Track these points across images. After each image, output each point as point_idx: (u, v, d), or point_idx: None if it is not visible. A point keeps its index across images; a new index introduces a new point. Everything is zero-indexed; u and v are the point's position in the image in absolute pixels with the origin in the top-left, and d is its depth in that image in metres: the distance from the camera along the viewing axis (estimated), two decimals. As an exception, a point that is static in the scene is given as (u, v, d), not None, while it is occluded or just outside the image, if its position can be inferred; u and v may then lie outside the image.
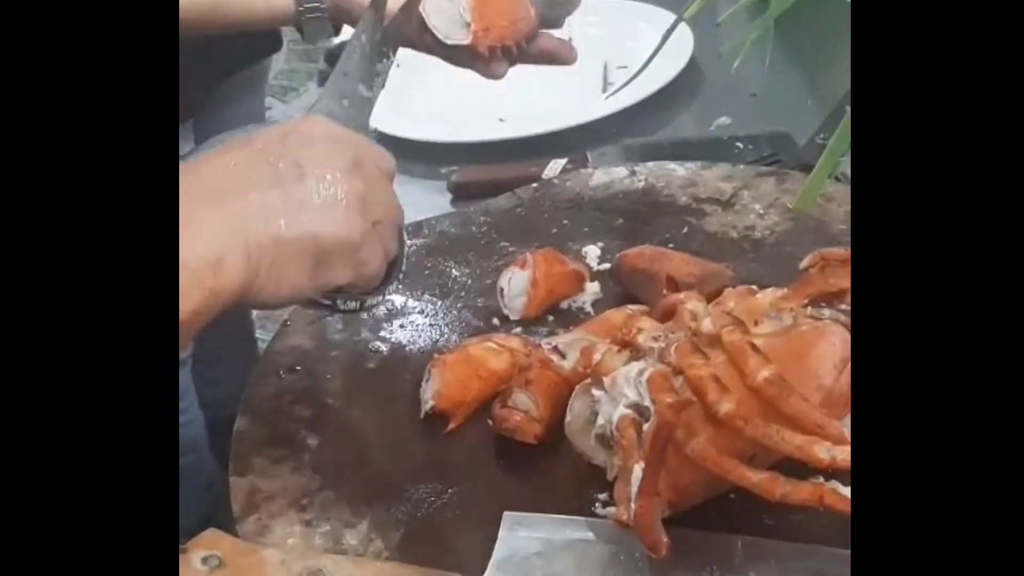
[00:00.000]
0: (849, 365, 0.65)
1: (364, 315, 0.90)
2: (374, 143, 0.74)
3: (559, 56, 0.94)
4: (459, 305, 0.91)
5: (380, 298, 0.76)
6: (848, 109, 0.63)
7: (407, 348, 0.87)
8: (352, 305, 0.74)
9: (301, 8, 0.86)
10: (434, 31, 0.83)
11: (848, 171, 1.01)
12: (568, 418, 0.69)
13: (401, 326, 0.89)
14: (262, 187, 0.65)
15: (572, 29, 1.41)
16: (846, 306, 0.69)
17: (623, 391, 0.64)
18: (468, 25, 0.82)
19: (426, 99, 1.34)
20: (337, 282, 0.69)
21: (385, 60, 0.81)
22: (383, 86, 0.81)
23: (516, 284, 0.87)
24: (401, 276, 0.78)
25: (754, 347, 0.63)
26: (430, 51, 0.88)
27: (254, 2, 0.85)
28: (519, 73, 1.37)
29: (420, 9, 0.82)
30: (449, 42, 0.83)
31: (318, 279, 0.68)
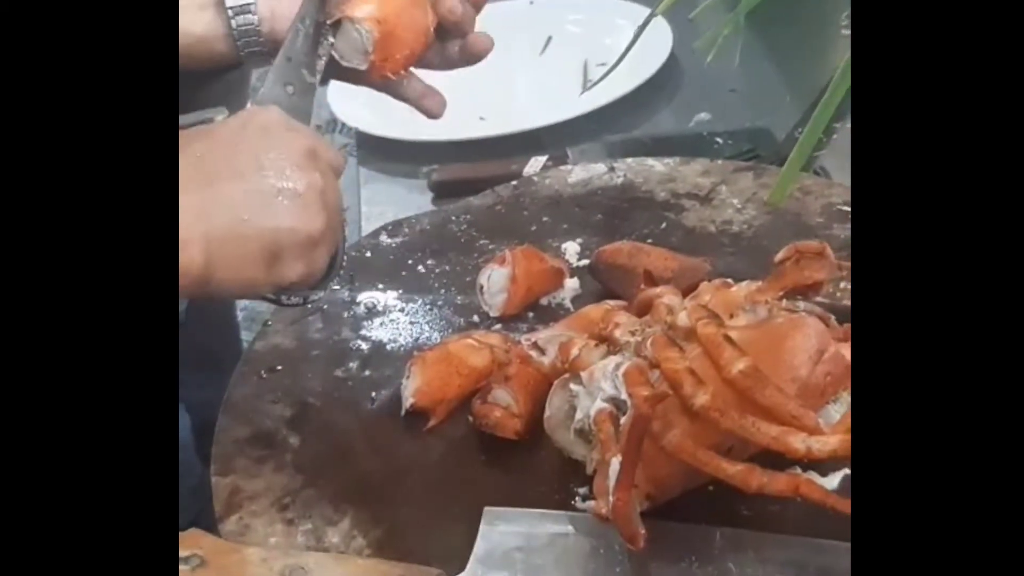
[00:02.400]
0: (824, 356, 0.66)
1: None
2: (321, 136, 0.74)
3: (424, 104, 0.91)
4: (439, 303, 0.91)
5: (322, 294, 0.76)
6: (820, 106, 0.64)
7: (387, 346, 0.87)
8: (296, 300, 0.75)
9: (242, 53, 0.86)
10: (333, 53, 0.82)
11: (827, 165, 1.02)
12: (547, 413, 0.70)
13: (381, 324, 0.90)
14: (222, 180, 0.66)
15: (553, 28, 1.43)
16: (821, 298, 0.70)
17: (600, 385, 0.64)
18: (368, 54, 0.82)
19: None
20: (290, 279, 0.69)
21: (325, 42, 0.81)
22: (322, 71, 0.81)
23: (496, 281, 0.87)
24: (341, 273, 0.78)
25: (729, 340, 0.63)
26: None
27: (194, 48, 0.84)
28: (499, 72, 1.37)
29: (324, 34, 0.82)
30: (344, 63, 0.83)
31: (273, 275, 0.68)
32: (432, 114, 0.91)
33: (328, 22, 0.81)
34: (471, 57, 0.91)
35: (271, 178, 0.67)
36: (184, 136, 0.68)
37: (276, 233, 0.67)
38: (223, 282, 0.66)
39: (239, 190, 0.66)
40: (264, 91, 0.78)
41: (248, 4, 0.83)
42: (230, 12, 0.83)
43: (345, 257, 0.78)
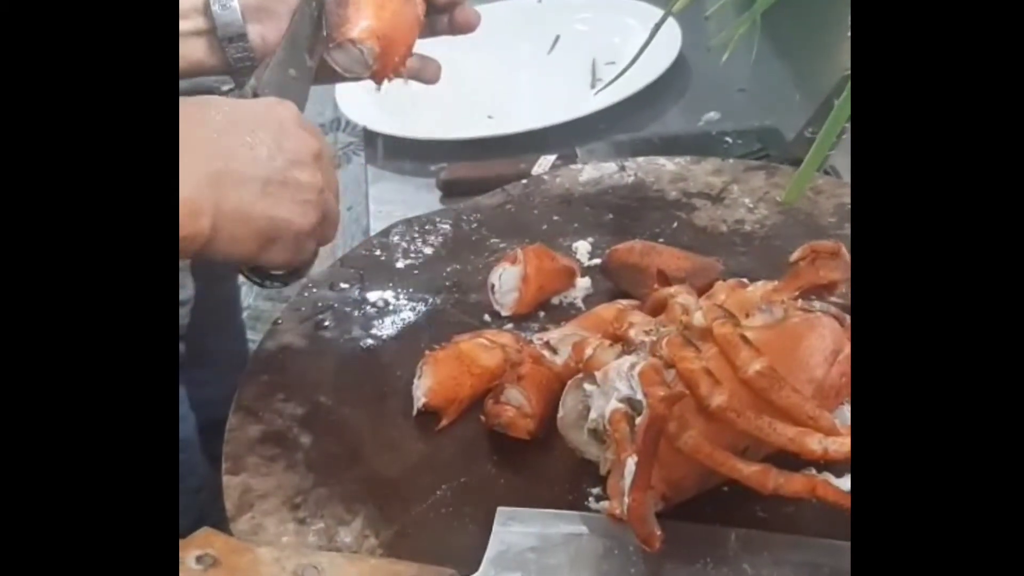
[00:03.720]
0: (840, 356, 0.66)
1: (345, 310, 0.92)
2: (323, 134, 0.80)
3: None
4: (450, 302, 0.91)
5: (302, 280, 0.85)
6: (836, 102, 0.64)
7: (398, 345, 0.87)
8: (277, 285, 0.83)
9: (233, 66, 0.88)
10: (334, 66, 0.85)
11: (837, 164, 1.02)
12: (560, 413, 0.69)
13: (392, 323, 0.89)
14: (239, 160, 0.72)
15: (561, 27, 1.43)
16: (836, 298, 0.70)
17: (615, 385, 0.64)
18: (370, 66, 0.85)
19: (415, 97, 1.34)
20: (276, 262, 0.76)
21: (325, 28, 0.84)
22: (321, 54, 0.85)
23: (507, 280, 0.87)
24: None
25: (745, 340, 0.63)
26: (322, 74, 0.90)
27: (191, 69, 0.87)
28: (507, 70, 1.37)
29: (325, 54, 0.85)
30: (348, 75, 0.86)
31: (262, 255, 0.75)
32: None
33: (330, 46, 0.84)
34: (459, 29, 0.94)
35: (280, 171, 0.73)
36: (199, 102, 0.74)
37: (274, 221, 0.73)
38: (221, 252, 0.72)
39: (251, 175, 0.72)
40: (269, 74, 0.83)
41: (241, 34, 0.86)
42: (225, 41, 0.86)
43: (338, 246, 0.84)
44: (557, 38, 1.43)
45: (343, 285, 0.94)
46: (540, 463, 0.74)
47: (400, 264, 0.96)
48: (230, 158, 0.71)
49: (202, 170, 0.69)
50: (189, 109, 0.70)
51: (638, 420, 0.61)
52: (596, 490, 0.70)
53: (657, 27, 0.71)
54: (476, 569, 0.66)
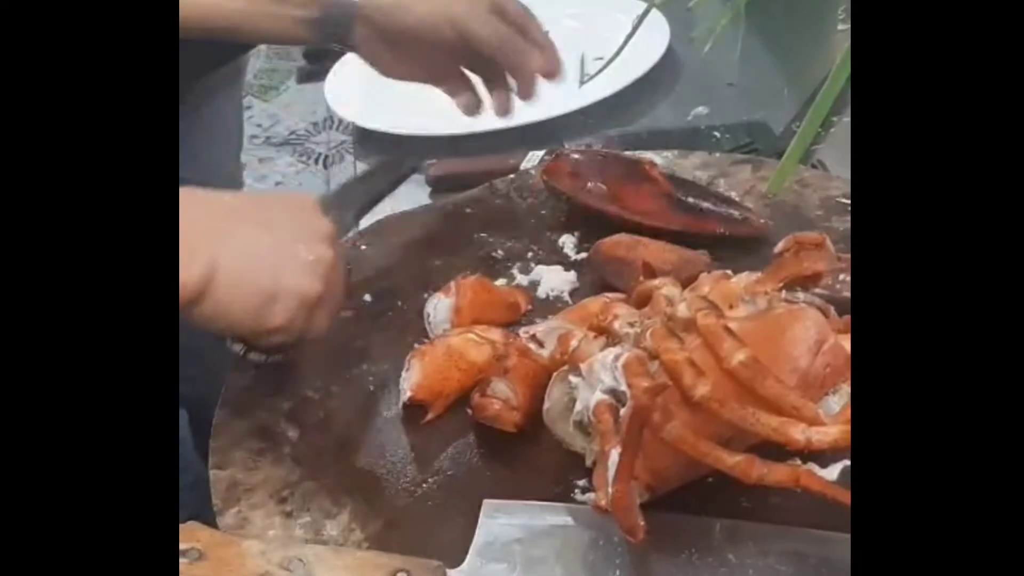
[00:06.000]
0: (824, 347, 0.66)
1: None
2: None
3: None
4: (438, 297, 0.91)
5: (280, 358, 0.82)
6: (818, 98, 0.64)
7: (386, 340, 0.87)
8: (260, 358, 0.81)
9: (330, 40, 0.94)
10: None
11: (824, 158, 1.02)
12: (546, 405, 0.70)
13: (380, 318, 0.89)
14: (252, 224, 0.74)
15: (550, 23, 1.42)
16: (820, 290, 0.70)
17: (600, 377, 0.64)
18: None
19: (403, 92, 1.33)
20: (269, 326, 0.74)
21: None
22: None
23: (440, 311, 0.86)
24: None
25: (729, 331, 0.63)
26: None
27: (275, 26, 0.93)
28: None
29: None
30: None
31: (256, 321, 0.73)
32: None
33: None
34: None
35: (291, 240, 0.74)
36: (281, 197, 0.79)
37: (276, 284, 0.72)
38: (208, 309, 0.71)
39: (263, 237, 0.73)
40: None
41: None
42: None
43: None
44: (546, 34, 1.42)
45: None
46: (526, 455, 0.74)
47: (389, 259, 0.96)
48: (243, 220, 0.74)
49: (210, 223, 0.71)
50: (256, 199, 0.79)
51: (622, 411, 0.62)
52: (582, 482, 0.70)
53: (640, 19, 0.71)
54: (462, 561, 0.66)
